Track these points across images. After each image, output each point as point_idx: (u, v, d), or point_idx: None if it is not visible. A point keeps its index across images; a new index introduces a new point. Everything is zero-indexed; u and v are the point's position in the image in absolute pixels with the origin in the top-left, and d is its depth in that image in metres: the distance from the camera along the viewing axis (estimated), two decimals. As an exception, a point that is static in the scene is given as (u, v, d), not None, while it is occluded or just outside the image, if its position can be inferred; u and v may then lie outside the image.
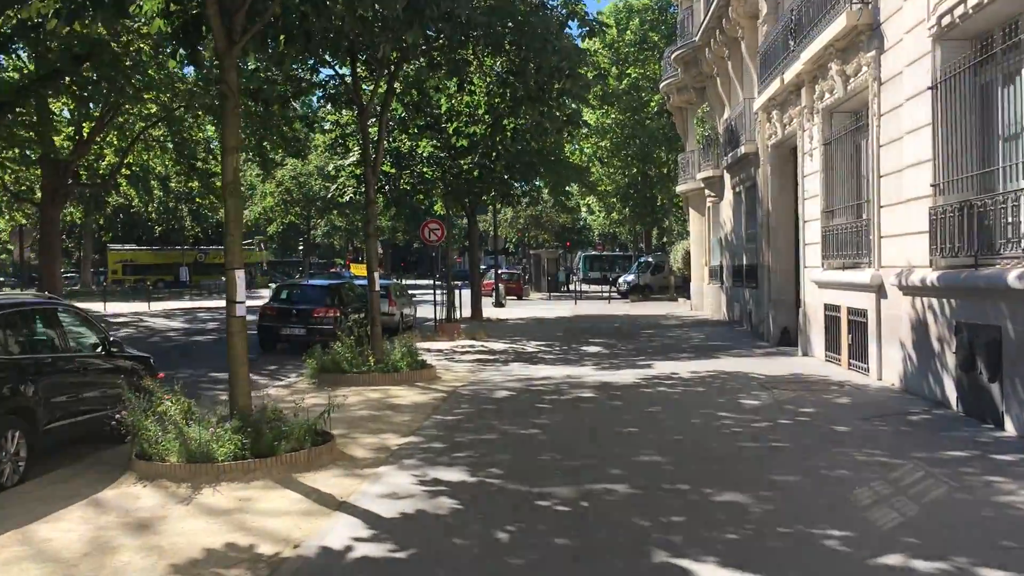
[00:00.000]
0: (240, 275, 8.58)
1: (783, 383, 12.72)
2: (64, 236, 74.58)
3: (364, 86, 15.19)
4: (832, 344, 14.71)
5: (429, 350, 19.72)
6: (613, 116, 42.82)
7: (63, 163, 40.15)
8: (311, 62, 14.44)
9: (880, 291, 12.27)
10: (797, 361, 15.70)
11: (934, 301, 10.30)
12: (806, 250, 16.36)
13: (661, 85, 32.25)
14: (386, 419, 10.81)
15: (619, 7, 44.72)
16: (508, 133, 15.97)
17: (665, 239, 70.68)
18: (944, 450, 7.97)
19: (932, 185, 10.20)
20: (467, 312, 29.86)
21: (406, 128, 15.76)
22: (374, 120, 15.29)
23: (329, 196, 47.14)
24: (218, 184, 45.68)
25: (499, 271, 47.76)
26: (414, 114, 15.81)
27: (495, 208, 37.02)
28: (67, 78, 24.41)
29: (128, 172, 49.15)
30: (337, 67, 15.57)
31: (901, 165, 11.29)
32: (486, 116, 16.24)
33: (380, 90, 14.78)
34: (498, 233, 42.42)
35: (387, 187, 22.20)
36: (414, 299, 28.67)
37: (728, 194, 25.11)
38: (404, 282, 69.78)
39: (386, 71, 14.71)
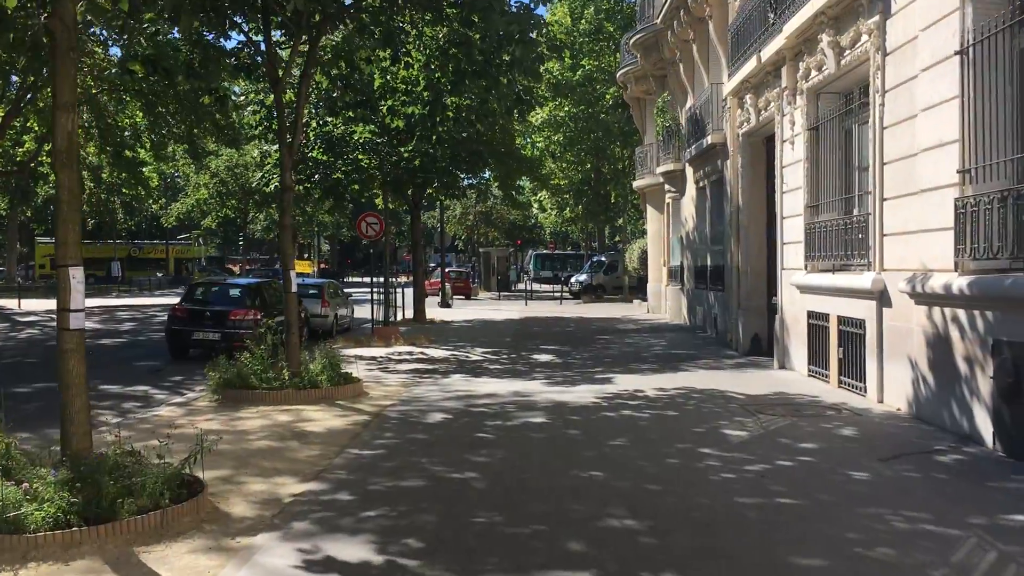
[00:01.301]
0: (76, 274, 6.38)
1: (767, 405, 10.84)
2: (-9, 228, 70.83)
3: (280, 53, 13.01)
4: (817, 357, 12.90)
5: (361, 358, 17.59)
6: (567, 109, 40.92)
7: (-28, 149, 37.29)
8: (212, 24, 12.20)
9: (882, 298, 10.46)
10: (775, 376, 13.87)
11: (961, 312, 8.47)
12: (784, 250, 14.56)
13: (618, 74, 30.42)
14: (288, 453, 8.67)
15: (573, -5, 42.86)
16: (450, 114, 13.96)
17: (618, 238, 69.18)
18: (1005, 512, 6.10)
19: (959, 172, 8.36)
20: (410, 313, 27.74)
21: (336, 110, 13.63)
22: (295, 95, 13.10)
23: (255, 186, 44.66)
24: (147, 174, 43.13)
25: (447, 270, 45.68)
26: (343, 91, 13.67)
27: (441, 202, 34.91)
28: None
29: (48, 160, 46.18)
30: (251, 33, 13.35)
31: (914, 149, 9.47)
32: (425, 94, 14.17)
33: (299, 59, 12.60)
34: (446, 230, 40.27)
35: (317, 176, 19.98)
36: (352, 299, 26.41)
37: (691, 189, 23.33)
38: (350, 280, 67.47)
39: (304, 36, 12.52)
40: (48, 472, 6.13)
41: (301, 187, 21.67)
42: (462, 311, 33.54)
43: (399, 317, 28.58)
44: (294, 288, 12.93)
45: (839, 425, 9.46)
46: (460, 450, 8.59)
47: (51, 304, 29.23)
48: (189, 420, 10.64)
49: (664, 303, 28.24)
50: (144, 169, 43.05)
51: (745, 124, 16.91)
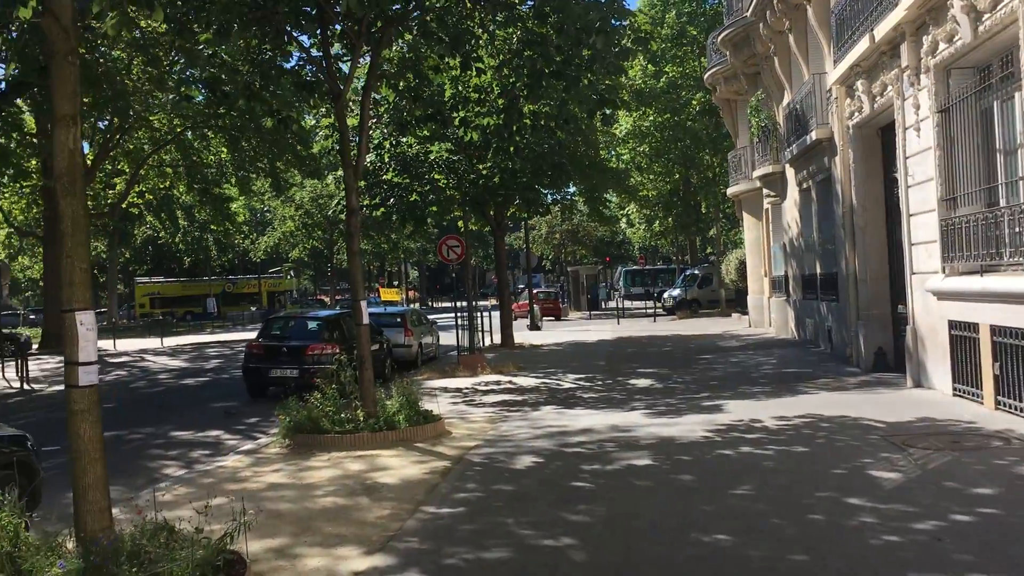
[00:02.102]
0: (86, 320, 5.33)
1: (916, 436, 9.17)
2: (95, 270, 73.18)
3: (341, 65, 12.04)
4: (965, 374, 11.11)
5: (446, 390, 16.46)
6: (652, 118, 39.33)
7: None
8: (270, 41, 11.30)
9: (1052, 303, 8.72)
10: (912, 397, 12.08)
11: None
12: (913, 252, 12.79)
13: (706, 76, 28.78)
14: (356, 513, 7.50)
15: (653, 1, 41.31)
16: (528, 121, 12.79)
17: (710, 249, 66.86)
18: None
19: None
20: (499, 338, 26.59)
21: (406, 126, 12.61)
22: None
23: (330, 214, 44.46)
24: (234, 209, 43.40)
25: (534, 291, 44.50)
26: (411, 104, 12.65)
27: (525, 221, 33.78)
28: (35, 89, 21.54)
29: (141, 201, 46.99)
30: (311, 48, 12.45)
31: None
32: (499, 101, 13.07)
33: (361, 70, 11.61)
34: (531, 249, 39.10)
35: (392, 199, 19.05)
36: (437, 326, 25.40)
37: (792, 192, 21.54)
38: (438, 305, 66.92)
39: (366, 45, 11.52)
40: (55, 564, 5.07)
41: (377, 212, 20.81)
42: (552, 333, 32.22)
43: (486, 343, 27.54)
44: (365, 320, 11.84)
45: (1016, 461, 7.75)
46: (553, 505, 7.26)
47: (144, 343, 29.13)
48: (254, 472, 9.64)
49: (767, 316, 26.34)
50: (231, 205, 43.61)
51: (856, 114, 15.19)
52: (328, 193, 45.42)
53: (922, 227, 12.34)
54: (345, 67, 12.13)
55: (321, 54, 11.74)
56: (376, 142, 18.80)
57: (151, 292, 73.50)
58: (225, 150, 39.92)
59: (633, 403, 13.30)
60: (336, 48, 12.32)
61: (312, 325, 17.64)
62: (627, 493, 7.58)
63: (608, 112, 12.33)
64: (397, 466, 9.44)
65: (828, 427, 10.01)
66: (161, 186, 43.96)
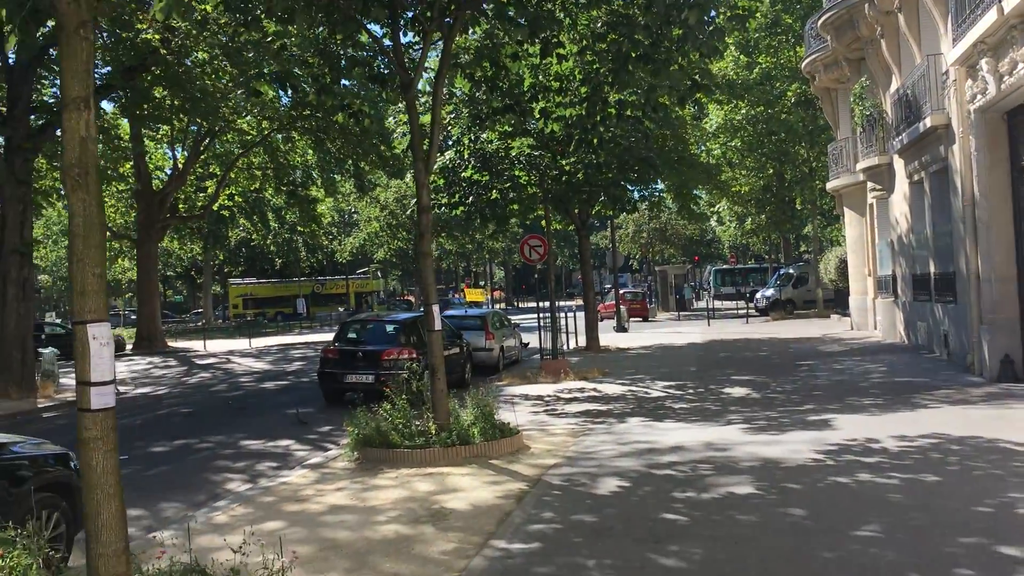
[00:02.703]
0: (100, 333, 4.61)
1: (1069, 464, 7.87)
2: (192, 272, 74.99)
3: (413, 54, 11.30)
4: (1118, 389, 9.67)
5: (527, 397, 15.63)
6: (744, 111, 37.64)
7: (158, 195, 38.55)
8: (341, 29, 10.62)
9: None
10: (1052, 412, 10.65)
11: None
12: (1052, 249, 11.32)
13: (803, 63, 27.13)
14: (418, 547, 6.68)
15: (745, -12, 39.55)
16: (612, 111, 11.78)
17: (804, 247, 64.30)
18: None
19: None
20: (584, 340, 25.60)
21: (483, 117, 11.76)
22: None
23: (408, 214, 44.01)
24: (320, 210, 43.46)
25: (621, 291, 43.30)
26: (488, 95, 11.83)
27: (611, 219, 32.68)
28: (121, 92, 21.55)
29: (231, 203, 47.63)
30: (384, 37, 11.74)
31: None
32: (582, 90, 12.07)
33: (433, 57, 10.82)
34: (617, 248, 37.95)
35: (471, 198, 18.28)
36: (521, 328, 24.57)
37: (901, 185, 19.93)
38: (523, 306, 66.17)
39: (438, 31, 10.73)
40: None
41: (457, 210, 20.11)
42: (639, 336, 31.04)
43: (571, 345, 26.59)
44: (437, 326, 11.06)
45: None
46: (640, 545, 6.30)
47: (234, 344, 29.07)
48: (317, 490, 8.96)
49: (872, 318, 24.63)
50: (317, 206, 43.70)
51: (979, 97, 13.69)
52: (412, 193, 45.14)
53: (1063, 221, 10.87)
54: (416, 55, 11.38)
55: (391, 43, 11.03)
56: (455, 138, 18.09)
57: (244, 293, 74.97)
58: (311, 152, 40.06)
59: (729, 416, 12.18)
60: (408, 36, 11.57)
61: (389, 329, 17.01)
62: (727, 529, 6.56)
63: (701, 100, 11.25)
64: (468, 487, 8.61)
65: (960, 450, 8.74)
66: (251, 188, 44.42)
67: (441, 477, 9.15)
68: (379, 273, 75.14)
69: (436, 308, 11.17)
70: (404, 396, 10.82)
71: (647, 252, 59.44)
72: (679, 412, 12.87)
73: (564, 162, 18.58)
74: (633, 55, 10.92)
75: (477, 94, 12.33)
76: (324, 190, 41.14)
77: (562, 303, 41.28)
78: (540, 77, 13.50)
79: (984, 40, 12.68)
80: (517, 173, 18.39)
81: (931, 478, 7.66)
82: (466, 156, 18.09)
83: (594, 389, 16.29)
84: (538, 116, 12.48)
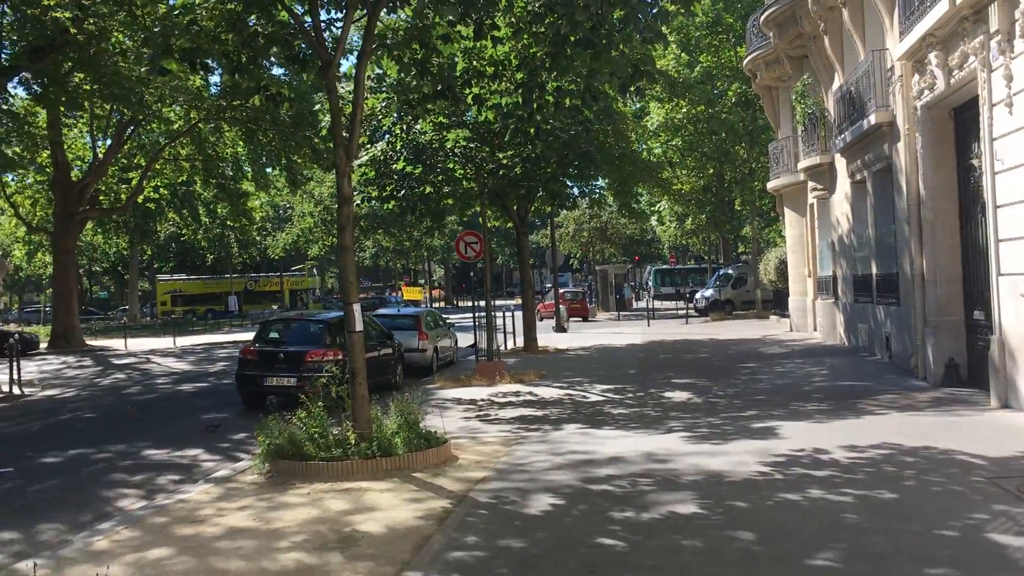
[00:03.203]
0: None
1: (1030, 477, 7.35)
2: (119, 267, 72.31)
3: (334, 29, 10.41)
4: (1072, 396, 9.27)
5: (459, 401, 14.85)
6: (685, 110, 37.35)
7: (76, 186, 36.65)
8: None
9: None
10: (1005, 421, 10.20)
11: None
12: (1002, 249, 10.92)
13: (745, 61, 26.82)
14: (320, 580, 5.84)
15: (687, -14, 39.21)
16: (550, 99, 10.99)
17: (743, 248, 64.65)
18: None
19: None
20: (522, 341, 24.88)
21: (413, 103, 10.86)
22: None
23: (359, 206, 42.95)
24: (250, 205, 42.04)
25: (561, 290, 42.75)
26: (418, 79, 10.99)
27: (551, 217, 32.04)
28: (30, 75, 20.13)
29: (157, 196, 45.70)
30: (304, 15, 10.82)
31: None
32: (518, 75, 11.29)
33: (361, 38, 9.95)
34: (557, 247, 37.34)
35: (403, 191, 17.38)
36: (454, 328, 23.74)
37: (843, 184, 19.63)
38: (462, 305, 65.26)
39: (360, 7, 9.88)
40: None
41: (388, 205, 19.24)
42: (578, 336, 30.45)
43: (509, 346, 25.87)
44: (358, 326, 10.18)
45: None
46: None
47: (156, 343, 27.64)
48: (218, 509, 8.03)
49: (812, 320, 24.40)
50: (248, 201, 42.15)
51: (926, 93, 13.30)
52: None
53: (1016, 220, 10.46)
54: (339, 33, 10.49)
55: (311, 20, 10.13)
56: (385, 128, 17.19)
57: (173, 290, 72.59)
58: (242, 144, 38.59)
59: (670, 422, 11.55)
60: (328, 14, 10.69)
61: (314, 328, 16.05)
62: (670, 558, 5.85)
63: (644, 89, 10.57)
64: (386, 505, 7.78)
65: (914, 462, 8.19)
66: (178, 181, 42.71)
67: (358, 493, 8.30)
68: (315, 270, 73.49)
69: (357, 307, 10.28)
70: (321, 403, 9.92)
71: (587, 251, 59.07)
72: (618, 418, 12.20)
73: (501, 155, 17.81)
74: (572, 39, 10.20)
75: (406, 79, 11.44)
76: (255, 184, 39.66)
77: (501, 302, 40.62)
78: (474, 62, 12.62)
79: (934, 33, 12.27)
80: (452, 166, 17.56)
81: (887, 495, 7.07)
82: (398, 148, 17.19)
83: (530, 393, 15.57)
84: (471, 102, 11.68)
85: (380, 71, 11.74)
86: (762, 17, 22.77)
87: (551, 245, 32.72)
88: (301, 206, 48.11)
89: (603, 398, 14.51)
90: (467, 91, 11.73)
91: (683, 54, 37.62)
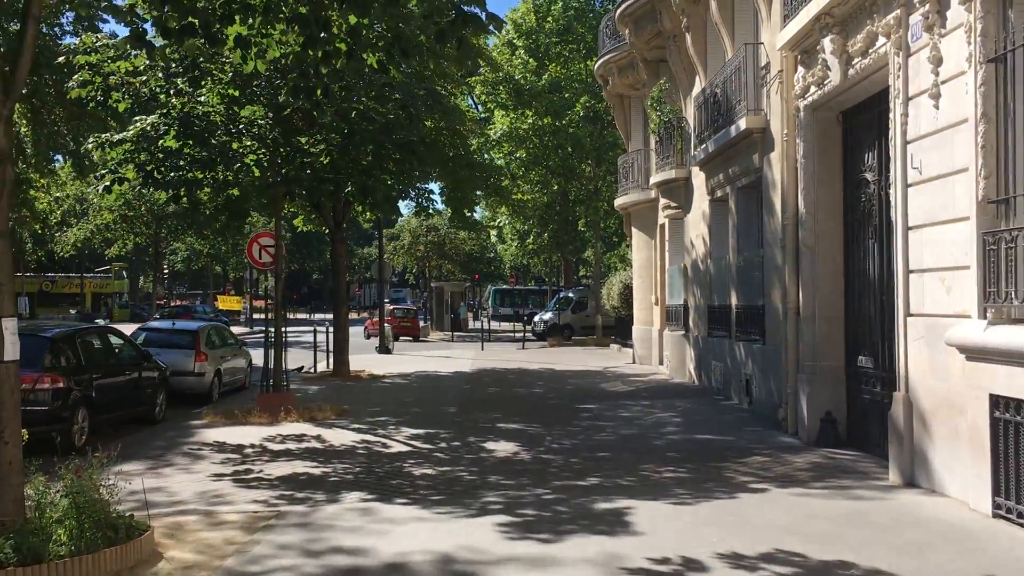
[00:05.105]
0: None
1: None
2: None
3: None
4: (1016, 484, 6.85)
5: (222, 447, 11.41)
6: (531, 120, 34.98)
7: None
8: None
9: None
10: (923, 511, 7.67)
11: None
12: (913, 282, 8.56)
13: (597, 65, 24.48)
14: None
15: (539, -10, 37.04)
16: (342, 45, 7.74)
17: (584, 271, 63.25)
18: None
19: None
20: (333, 364, 21.35)
21: (142, 38, 7.42)
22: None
23: (157, 207, 37.91)
24: (32, 194, 36.48)
25: (390, 306, 39.42)
26: (159, 7, 7.56)
27: (379, 224, 28.67)
28: None
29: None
30: None
31: None
32: (301, 9, 8.01)
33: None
34: (386, 259, 33.96)
35: (173, 174, 13.58)
36: (245, 347, 19.95)
37: (700, 202, 17.39)
38: (294, 317, 60.21)
39: None
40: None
41: (159, 193, 15.45)
42: (403, 359, 27.17)
43: (318, 368, 22.33)
44: (10, 354, 6.61)
45: None
46: None
47: None
48: None
49: (657, 352, 22.16)
50: (30, 189, 36.41)
51: (813, 90, 10.98)
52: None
53: (933, 245, 8.11)
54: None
55: None
56: (150, 93, 13.42)
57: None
58: (24, 123, 33.19)
59: (486, 494, 8.52)
60: None
61: (25, 343, 11.98)
62: None
63: (467, 45, 7.60)
64: None
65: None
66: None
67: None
68: (124, 273, 66.55)
69: (11, 323, 6.71)
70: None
71: (424, 266, 55.86)
72: (419, 484, 9.06)
73: (303, 139, 14.37)
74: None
75: (140, 9, 7.99)
76: (38, 171, 34.11)
77: (325, 317, 36.75)
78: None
79: (831, 12, 9.92)
80: (236, 147, 13.92)
81: None
82: (173, 118, 13.45)
83: (318, 437, 12.21)
84: (233, 45, 8.37)
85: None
86: (617, 12, 20.42)
87: (379, 256, 29.33)
88: (101, 199, 42.35)
89: (408, 448, 11.34)
90: (228, 30, 8.37)
91: (531, 60, 35.30)
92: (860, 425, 10.71)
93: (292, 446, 11.52)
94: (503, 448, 11.27)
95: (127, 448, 11.53)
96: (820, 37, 10.36)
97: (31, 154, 35.45)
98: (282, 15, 8.36)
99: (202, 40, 8.51)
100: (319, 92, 10.06)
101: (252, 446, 11.51)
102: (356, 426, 13.17)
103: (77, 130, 30.35)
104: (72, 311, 58.68)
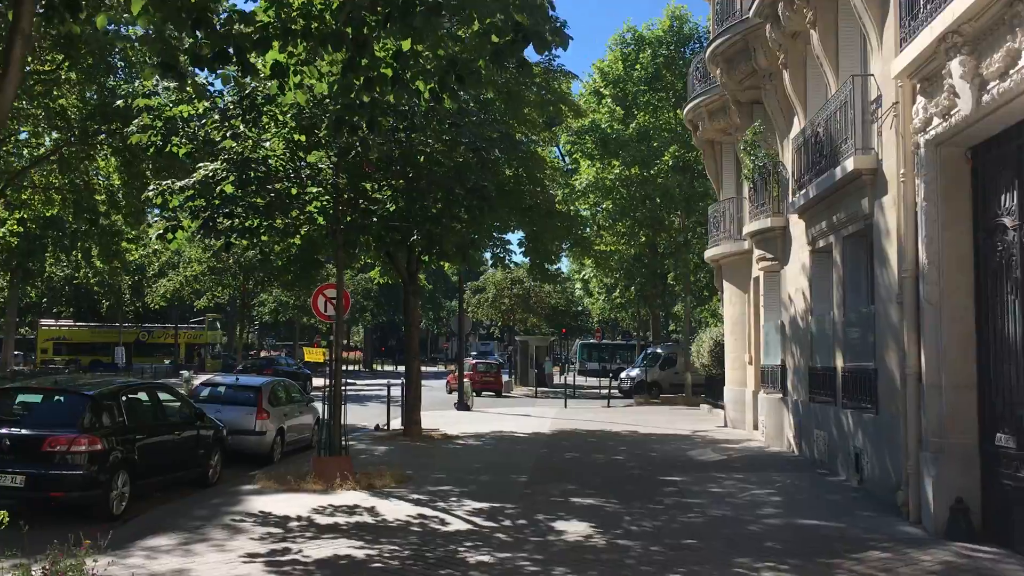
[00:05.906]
0: None
1: None
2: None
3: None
4: None
5: (266, 518, 10.39)
6: (618, 170, 33.85)
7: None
8: None
9: None
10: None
11: None
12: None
13: (686, 110, 23.23)
14: None
15: (626, 38, 36.13)
16: (387, 71, 6.71)
17: (673, 326, 61.23)
18: None
19: None
20: (403, 423, 20.33)
21: (177, 66, 6.57)
22: None
23: (243, 260, 37.86)
24: (125, 245, 37.09)
25: (471, 359, 38.44)
26: (190, 30, 6.76)
27: (460, 277, 27.76)
28: None
29: (22, 230, 40.17)
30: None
31: None
32: (348, 29, 7.11)
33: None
34: (465, 312, 33.05)
35: (231, 221, 12.84)
36: (312, 404, 19.07)
37: (800, 253, 15.81)
38: (382, 369, 59.80)
39: None
40: None
41: (216, 240, 14.85)
42: (480, 416, 25.98)
43: (392, 426, 21.34)
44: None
45: None
46: None
47: None
48: None
49: (751, 416, 20.37)
50: (121, 240, 36.97)
51: (937, 123, 9.49)
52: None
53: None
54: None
55: None
56: (205, 136, 12.75)
57: (56, 337, 66.16)
58: (115, 173, 33.79)
59: (548, 596, 7.16)
60: None
61: (59, 404, 11.27)
62: None
63: (525, 66, 6.52)
64: None
65: None
66: (46, 213, 37.47)
67: None
68: (217, 324, 67.57)
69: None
70: None
71: (509, 320, 54.85)
72: (470, 577, 7.78)
73: (368, 185, 13.50)
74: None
75: (172, 32, 7.20)
76: (129, 221, 34.56)
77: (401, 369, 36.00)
78: (281, 12, 8.18)
79: (959, 29, 8.48)
80: (294, 192, 13.07)
81: None
82: (233, 163, 12.76)
83: (371, 509, 11.07)
84: (269, 74, 7.50)
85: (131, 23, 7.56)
86: (708, 52, 19.18)
87: (459, 309, 28.42)
88: (190, 251, 42.89)
89: (467, 526, 10.08)
90: (264, 57, 7.51)
91: (618, 108, 34.26)
92: (1000, 516, 8.97)
93: (341, 520, 10.41)
94: (574, 530, 9.89)
95: (166, 517, 10.66)
96: (946, 60, 8.90)
97: (123, 206, 36.12)
98: (317, 34, 7.39)
99: (236, 69, 7.64)
100: (365, 126, 9.14)
101: (298, 518, 10.45)
102: (415, 496, 11.98)
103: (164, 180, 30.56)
104: (166, 361, 59.58)
